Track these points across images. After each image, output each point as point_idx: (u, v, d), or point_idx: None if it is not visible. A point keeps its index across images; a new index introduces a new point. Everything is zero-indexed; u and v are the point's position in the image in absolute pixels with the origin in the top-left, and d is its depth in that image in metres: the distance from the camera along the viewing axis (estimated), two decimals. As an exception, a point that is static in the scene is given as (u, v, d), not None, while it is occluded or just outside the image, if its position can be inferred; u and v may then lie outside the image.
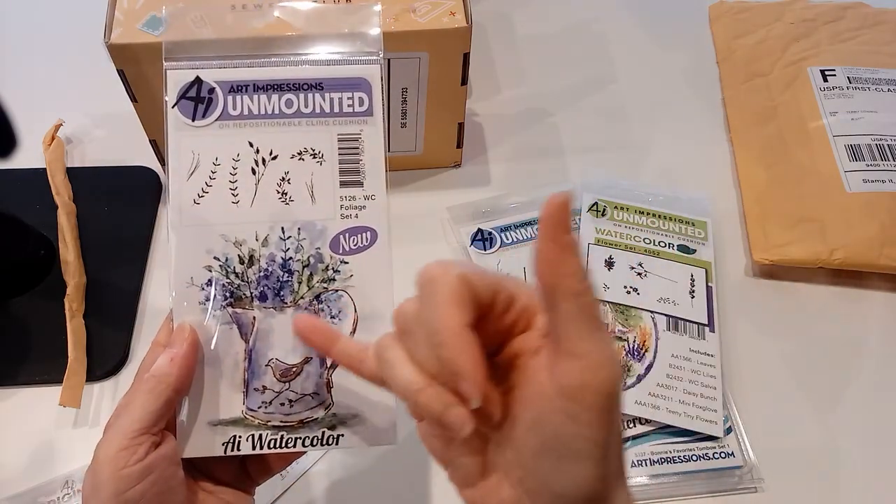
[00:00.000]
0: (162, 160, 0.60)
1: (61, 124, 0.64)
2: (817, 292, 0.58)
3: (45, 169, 0.60)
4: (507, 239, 0.58)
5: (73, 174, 0.61)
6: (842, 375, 0.54)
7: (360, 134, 0.38)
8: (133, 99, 0.53)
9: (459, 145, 0.62)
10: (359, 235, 0.37)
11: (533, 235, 0.59)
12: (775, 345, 0.56)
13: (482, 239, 0.58)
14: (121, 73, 0.51)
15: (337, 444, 0.37)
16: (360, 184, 0.37)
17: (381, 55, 0.38)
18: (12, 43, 0.71)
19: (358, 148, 0.38)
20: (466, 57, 0.53)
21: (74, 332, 0.52)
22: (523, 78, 0.71)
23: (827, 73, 0.66)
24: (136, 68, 0.50)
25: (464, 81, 0.55)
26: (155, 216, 0.60)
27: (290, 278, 0.37)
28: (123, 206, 0.60)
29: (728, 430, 0.50)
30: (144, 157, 0.60)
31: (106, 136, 0.65)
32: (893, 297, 0.58)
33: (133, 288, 0.56)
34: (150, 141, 0.57)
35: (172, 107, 0.37)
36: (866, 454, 0.51)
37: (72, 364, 0.51)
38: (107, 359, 0.53)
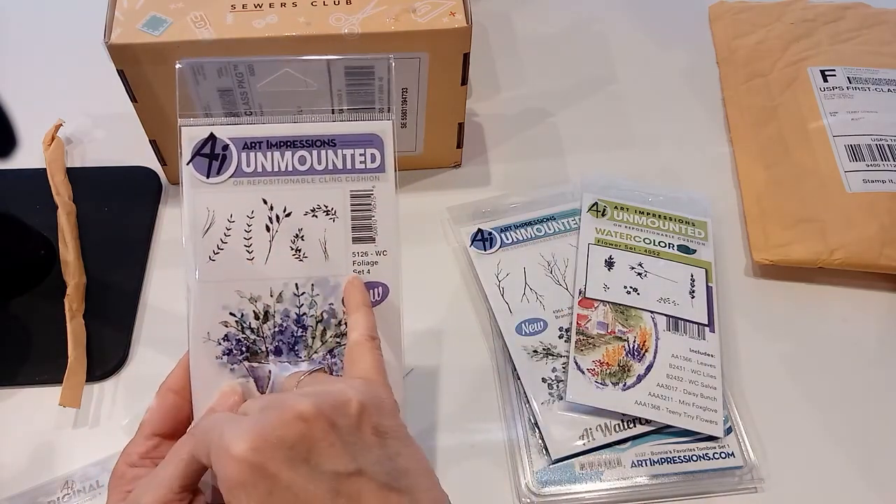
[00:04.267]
0: (162, 160, 0.60)
1: (61, 124, 0.64)
2: (817, 292, 0.58)
3: (45, 169, 0.60)
4: (507, 239, 0.58)
5: (73, 174, 0.61)
6: (842, 375, 0.54)
7: (372, 190, 0.38)
8: (133, 99, 0.53)
9: (459, 145, 0.62)
10: (371, 291, 0.38)
11: (533, 235, 0.59)
12: (775, 345, 0.56)
13: (482, 239, 0.58)
14: (121, 73, 0.51)
15: None
16: (372, 240, 0.38)
17: (392, 115, 0.38)
18: (12, 43, 0.71)
19: (370, 204, 0.38)
20: (466, 57, 0.53)
21: (74, 332, 0.52)
22: (523, 78, 0.71)
23: (827, 73, 0.66)
24: (136, 68, 0.50)
25: (464, 81, 0.55)
26: (155, 216, 0.60)
27: (304, 333, 0.37)
28: (123, 206, 0.60)
29: (728, 430, 0.50)
30: (144, 157, 0.60)
31: (106, 136, 0.65)
32: (893, 297, 0.58)
33: (133, 288, 0.56)
34: (150, 141, 0.57)
35: (187, 164, 0.37)
36: (866, 454, 0.51)
37: (72, 364, 0.51)
38: (107, 359, 0.53)
